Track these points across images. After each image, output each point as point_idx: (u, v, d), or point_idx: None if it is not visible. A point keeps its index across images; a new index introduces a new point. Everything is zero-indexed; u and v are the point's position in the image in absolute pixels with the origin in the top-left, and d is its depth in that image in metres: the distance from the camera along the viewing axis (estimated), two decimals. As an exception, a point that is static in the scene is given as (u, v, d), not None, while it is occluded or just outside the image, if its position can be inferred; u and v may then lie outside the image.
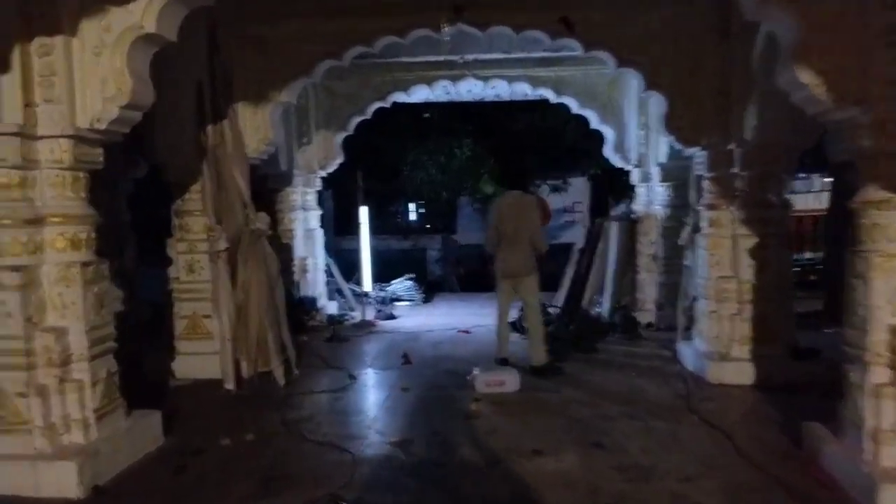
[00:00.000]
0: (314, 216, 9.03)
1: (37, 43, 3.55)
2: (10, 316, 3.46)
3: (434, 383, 5.72)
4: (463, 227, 16.88)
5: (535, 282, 5.97)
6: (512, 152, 12.96)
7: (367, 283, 10.33)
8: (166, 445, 4.24)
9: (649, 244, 8.09)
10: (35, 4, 3.52)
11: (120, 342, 5.97)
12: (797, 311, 6.00)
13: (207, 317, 5.73)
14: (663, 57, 5.57)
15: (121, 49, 3.60)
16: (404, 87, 8.18)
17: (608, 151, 8.44)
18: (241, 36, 5.81)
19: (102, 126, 3.70)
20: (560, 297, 8.73)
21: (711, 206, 5.71)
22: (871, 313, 3.39)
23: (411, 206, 17.17)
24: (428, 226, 16.73)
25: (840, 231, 8.60)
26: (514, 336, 7.64)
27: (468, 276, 14.58)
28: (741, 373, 5.44)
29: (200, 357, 5.70)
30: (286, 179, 8.34)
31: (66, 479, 3.43)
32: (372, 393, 5.56)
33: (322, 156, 8.77)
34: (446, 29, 5.34)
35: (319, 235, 9.11)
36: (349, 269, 10.54)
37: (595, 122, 8.26)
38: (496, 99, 9.26)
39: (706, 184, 5.81)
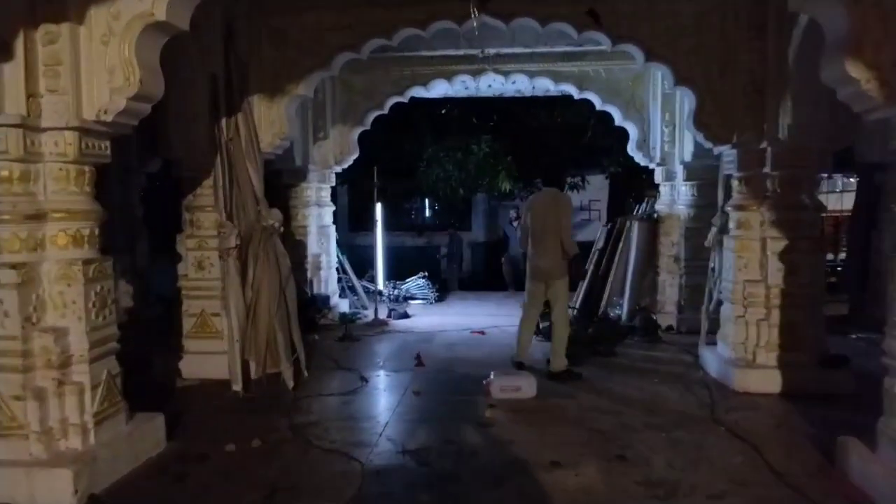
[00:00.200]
0: (328, 212, 8.89)
1: (42, 30, 3.41)
2: (7, 315, 3.33)
3: (448, 387, 5.55)
4: (478, 224, 16.71)
5: (564, 285, 5.77)
6: (547, 148, 12.74)
7: (381, 281, 10.19)
8: (168, 451, 4.09)
9: (671, 245, 7.89)
10: (40, -10, 3.38)
11: (129, 339, 5.92)
12: (820, 316, 5.76)
13: (216, 315, 5.60)
14: (693, 51, 5.35)
15: (129, 38, 3.44)
16: (423, 82, 7.99)
17: (631, 149, 8.21)
18: (258, 27, 5.66)
19: (109, 118, 3.56)
20: (577, 297, 8.50)
21: (740, 207, 5.50)
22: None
23: (426, 203, 16.99)
24: (437, 222, 16.54)
25: (866, 233, 8.37)
26: (532, 338, 7.53)
27: (477, 274, 14.43)
28: (768, 381, 5.24)
29: (208, 357, 5.56)
30: (301, 175, 8.20)
31: (61, 487, 3.29)
32: (383, 397, 5.39)
33: (338, 151, 8.60)
34: (476, 14, 5.14)
35: (333, 232, 8.97)
36: (362, 265, 10.40)
37: (618, 118, 8.03)
38: (517, 94, 9.03)
39: (735, 184, 5.60)
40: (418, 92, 8.25)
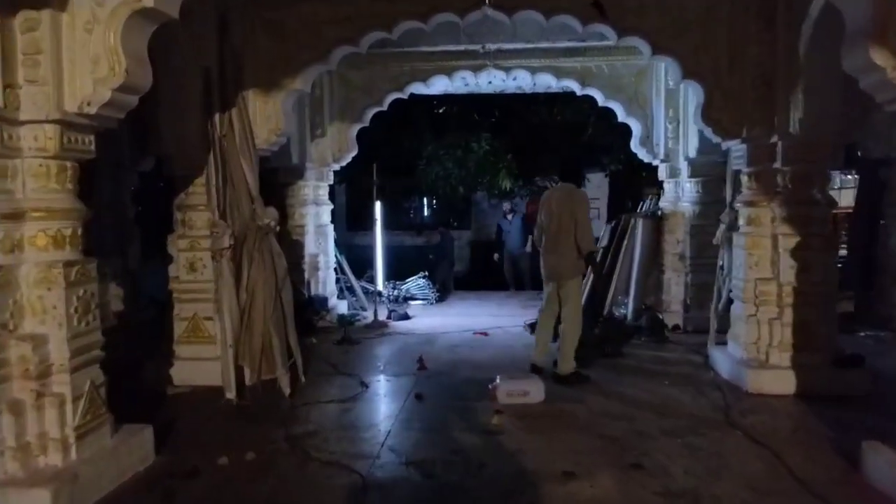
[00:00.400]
0: (326, 211, 8.68)
1: (21, 17, 3.19)
2: (-19, 322, 3.11)
3: (451, 392, 5.34)
4: (479, 223, 16.50)
5: (577, 286, 5.57)
6: (547, 145, 12.53)
7: (380, 282, 9.99)
8: (157, 465, 3.85)
9: (676, 243, 7.72)
10: (19, -26, 3.16)
11: (118, 344, 5.72)
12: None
13: (209, 319, 5.39)
14: (701, 44, 5.17)
15: (115, 25, 3.22)
16: (423, 78, 7.80)
17: (634, 145, 8.04)
18: (253, 19, 5.44)
19: (93, 110, 3.33)
20: (582, 297, 8.29)
21: (750, 203, 5.34)
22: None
23: (426, 202, 16.79)
24: (436, 221, 16.26)
25: (869, 229, 8.20)
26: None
27: (477, 273, 14.17)
28: (781, 382, 5.07)
29: (201, 362, 5.35)
30: (298, 173, 8.00)
31: (39, 507, 3.06)
32: (385, 403, 5.17)
33: (336, 148, 8.40)
34: (488, 2, 4.95)
35: (331, 232, 8.76)
36: (360, 265, 10.19)
37: (621, 115, 7.86)
38: (518, 91, 8.86)
39: (745, 179, 5.43)
40: (418, 88, 8.07)
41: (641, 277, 7.88)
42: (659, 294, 7.85)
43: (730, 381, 5.40)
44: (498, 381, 5.08)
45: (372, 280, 10.02)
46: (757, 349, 5.23)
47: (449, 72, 7.71)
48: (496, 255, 11.87)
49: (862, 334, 7.08)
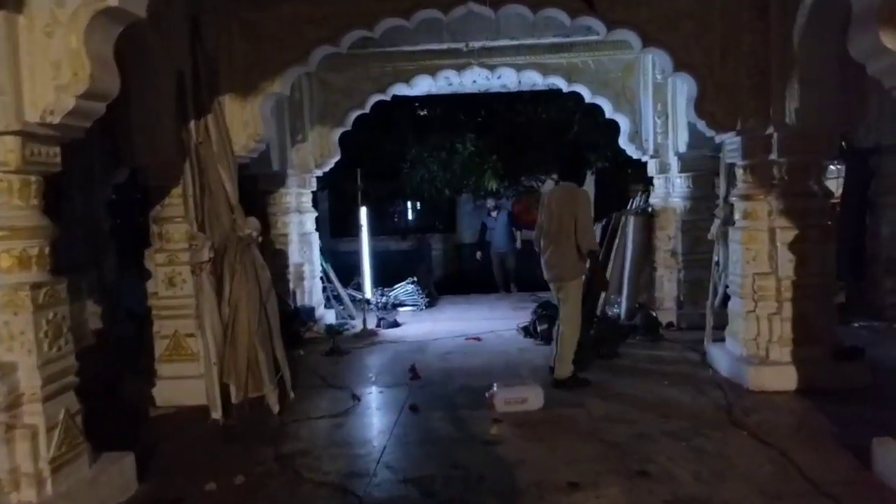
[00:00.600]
0: (310, 219, 8.46)
1: (-29, 20, 2.98)
2: (-57, 351, 2.89)
3: (447, 402, 5.15)
4: (464, 225, 16.34)
5: (577, 287, 5.39)
6: (532, 144, 12.37)
7: (368, 289, 9.78)
8: (140, 494, 3.63)
9: (668, 239, 7.60)
10: (-30, -26, 2.95)
11: (97, 362, 5.49)
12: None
13: (191, 336, 5.15)
14: (693, 35, 5.03)
15: (77, 27, 3.02)
16: (406, 78, 7.61)
17: (623, 142, 7.90)
18: (227, 20, 5.20)
19: (56, 120, 3.12)
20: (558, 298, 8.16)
21: (746, 197, 5.22)
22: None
23: (410, 206, 16.58)
24: (421, 225, 16.08)
25: (858, 219, 8.15)
26: (528, 342, 7.20)
27: (465, 276, 14.00)
28: (783, 378, 4.97)
29: (184, 381, 5.11)
30: (279, 180, 7.77)
31: (13, 549, 2.85)
32: (378, 417, 4.97)
33: (318, 154, 8.18)
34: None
35: (316, 240, 8.54)
36: (347, 273, 9.98)
37: (609, 111, 7.72)
38: (503, 90, 8.70)
39: (740, 173, 5.32)
40: (401, 89, 7.88)
41: (634, 275, 7.75)
42: (652, 292, 7.73)
43: (729, 378, 5.28)
44: (495, 388, 4.91)
45: (359, 287, 9.80)
46: (757, 345, 5.12)
47: (432, 71, 7.54)
48: (478, 254, 11.64)
49: (856, 325, 7.02)
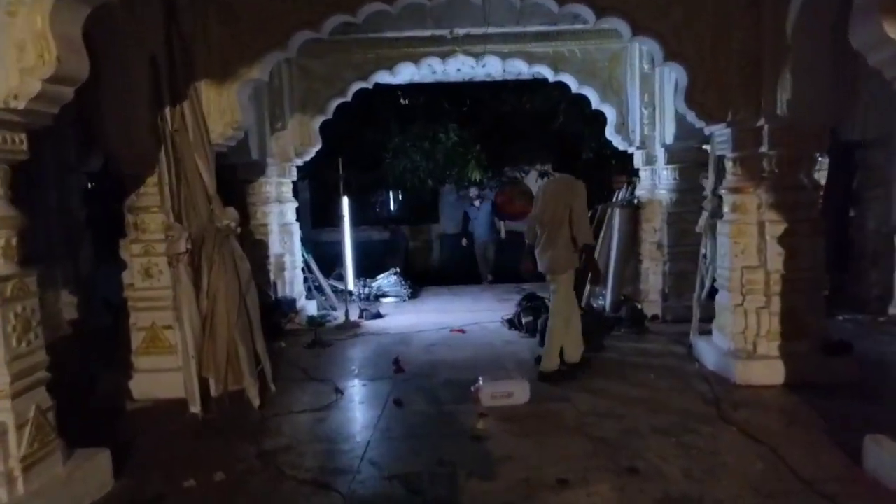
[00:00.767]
0: (290, 209, 8.28)
1: (-71, -1, 2.81)
2: None
3: (432, 396, 5.05)
4: (446, 216, 16.19)
5: (568, 280, 5.31)
6: (516, 134, 12.23)
7: (350, 281, 9.64)
8: (116, 491, 3.53)
9: (653, 231, 7.55)
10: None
11: (73, 354, 5.34)
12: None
13: (169, 328, 5.01)
14: (684, 24, 4.92)
15: (42, 7, 2.87)
16: (388, 66, 7.43)
17: (609, 133, 7.81)
18: (204, 3, 4.99)
19: (21, 105, 2.96)
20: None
21: (736, 190, 5.16)
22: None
23: (392, 196, 16.39)
24: (403, 215, 15.87)
25: (841, 212, 8.15)
26: (513, 334, 7.13)
27: (447, 267, 13.88)
28: (770, 372, 4.94)
29: (162, 374, 4.98)
30: (258, 169, 7.58)
31: (-20, 553, 2.73)
32: (361, 411, 4.86)
33: (298, 142, 7.99)
34: None
35: (297, 230, 8.37)
36: (328, 263, 9.83)
37: (595, 101, 7.62)
38: (487, 78, 8.56)
39: (729, 165, 5.26)
40: (383, 77, 7.71)
41: (619, 268, 7.71)
42: (637, 284, 7.70)
43: (716, 372, 5.25)
44: (480, 382, 4.83)
45: (341, 278, 9.67)
46: (744, 339, 5.08)
47: (416, 59, 7.38)
48: (464, 241, 11.49)
49: (840, 318, 7.02)
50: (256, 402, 4.80)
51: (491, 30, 6.80)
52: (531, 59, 7.36)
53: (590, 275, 5.98)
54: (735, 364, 5.01)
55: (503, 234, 11.31)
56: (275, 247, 7.82)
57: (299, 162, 8.25)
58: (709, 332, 5.67)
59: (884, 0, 2.76)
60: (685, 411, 4.48)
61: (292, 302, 7.86)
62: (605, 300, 7.72)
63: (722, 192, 5.39)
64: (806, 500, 3.21)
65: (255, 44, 5.03)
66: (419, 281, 10.68)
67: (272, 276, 7.72)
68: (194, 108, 4.81)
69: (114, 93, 4.83)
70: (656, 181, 7.52)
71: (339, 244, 9.70)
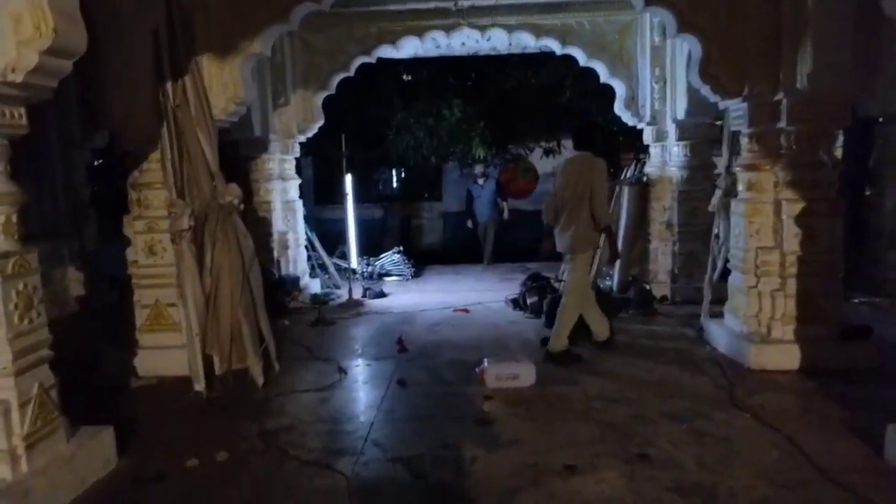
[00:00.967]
0: (293, 186, 8.16)
1: (-80, -33, 2.69)
2: None
3: (436, 377, 5.00)
4: (449, 194, 16.05)
5: (586, 260, 5.26)
6: (521, 110, 11.99)
7: (354, 259, 9.56)
8: (120, 469, 3.51)
9: (663, 210, 7.43)
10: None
11: (81, 330, 5.30)
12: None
13: (173, 305, 4.96)
14: (700, -8, 4.75)
15: (38, -23, 2.75)
16: (392, 40, 7.26)
17: (618, 108, 7.63)
18: (202, -25, 4.88)
19: (18, 78, 2.87)
20: (565, 269, 7.99)
21: (751, 167, 5.02)
22: None
23: (395, 173, 16.21)
24: (401, 193, 15.69)
25: (856, 191, 7.99)
26: (518, 314, 7.05)
27: (449, 246, 13.75)
28: (785, 357, 4.83)
29: (166, 351, 4.95)
30: (261, 145, 7.46)
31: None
32: (365, 391, 4.81)
33: (301, 118, 7.86)
34: None
35: (300, 207, 8.27)
36: (331, 241, 9.74)
37: (604, 75, 7.44)
38: (492, 52, 8.35)
39: (745, 141, 5.11)
40: (386, 51, 7.55)
41: (627, 247, 7.59)
42: (645, 264, 7.60)
43: (728, 355, 5.16)
44: (485, 363, 4.76)
45: (344, 256, 9.59)
46: (758, 322, 4.97)
47: (419, 32, 7.20)
48: (469, 222, 11.25)
49: (856, 301, 6.87)
50: (260, 381, 4.76)
51: (497, 1, 6.62)
52: (538, 31, 7.17)
53: (604, 254, 5.85)
54: (749, 348, 4.91)
55: (506, 215, 11.08)
56: (278, 224, 7.73)
57: (302, 138, 8.13)
58: (720, 315, 5.58)
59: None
60: (697, 396, 4.39)
61: (296, 280, 7.79)
62: (612, 281, 7.63)
63: (736, 169, 5.26)
64: (824, 490, 3.12)
65: (256, 16, 4.90)
66: (422, 260, 10.59)
67: (276, 254, 7.65)
68: (196, 83, 4.70)
69: (115, 68, 4.72)
70: (667, 158, 7.37)
71: (342, 222, 9.61)
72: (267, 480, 3.38)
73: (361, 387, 4.92)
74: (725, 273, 5.57)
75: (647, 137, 7.57)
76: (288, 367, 5.20)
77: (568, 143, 13.35)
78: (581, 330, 5.51)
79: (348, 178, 8.95)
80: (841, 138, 7.90)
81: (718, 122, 6.20)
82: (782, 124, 4.74)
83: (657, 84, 7.16)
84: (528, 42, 7.51)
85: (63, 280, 5.76)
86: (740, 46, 4.77)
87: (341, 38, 7.43)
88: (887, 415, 3.49)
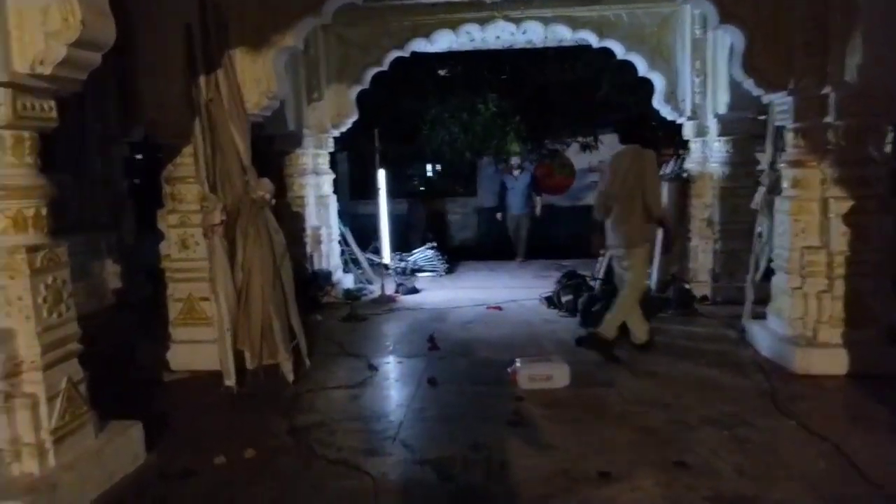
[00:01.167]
0: (327, 181, 8.17)
1: (-50, -40, 2.71)
2: (-65, 318, 2.71)
3: (467, 376, 4.91)
4: (484, 189, 15.94)
5: (643, 254, 5.19)
6: (557, 105, 11.84)
7: (387, 254, 9.53)
8: (148, 465, 3.52)
9: (704, 207, 7.19)
10: None
11: (114, 324, 5.37)
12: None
13: (205, 300, 4.96)
14: (742, -18, 4.57)
15: (66, -32, 2.74)
16: (426, 33, 7.18)
17: (658, 102, 7.40)
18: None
19: (47, 70, 2.87)
20: (601, 267, 7.84)
21: (797, 164, 4.81)
22: None
23: (429, 168, 16.15)
24: (436, 188, 15.61)
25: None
26: (552, 312, 6.92)
27: (484, 242, 13.63)
28: (832, 361, 4.61)
29: (199, 346, 4.96)
30: (295, 140, 7.48)
31: (13, 522, 2.70)
32: (395, 389, 4.75)
33: (335, 113, 7.84)
34: None
35: (333, 202, 8.26)
36: (365, 236, 9.73)
37: (643, 68, 7.23)
38: (528, 45, 8.20)
39: (790, 137, 4.89)
40: (420, 45, 7.46)
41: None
42: (685, 263, 7.37)
43: (772, 359, 4.95)
44: (518, 363, 4.66)
45: (377, 252, 9.57)
46: (804, 325, 4.76)
47: (454, 25, 7.10)
48: (499, 215, 10.97)
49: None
50: (290, 377, 4.74)
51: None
52: (575, 24, 7.00)
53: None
54: (794, 351, 4.70)
55: (538, 211, 10.86)
56: (311, 219, 7.74)
57: (336, 133, 8.11)
58: (763, 316, 5.38)
59: None
60: (739, 401, 4.20)
61: (328, 275, 7.79)
62: (650, 280, 7.43)
63: (781, 165, 5.04)
64: (874, 504, 2.96)
65: (289, 10, 4.87)
66: (456, 256, 10.51)
67: (309, 249, 7.66)
68: (229, 77, 4.69)
69: (149, 62, 4.76)
70: (707, 154, 7.13)
71: (375, 217, 9.59)
72: (293, 480, 3.34)
73: (392, 384, 4.86)
74: (768, 273, 5.36)
75: (688, 132, 7.34)
76: (319, 363, 5.19)
77: (605, 139, 13.16)
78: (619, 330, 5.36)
79: (381, 174, 8.91)
80: (890, 134, 7.62)
81: (762, 117, 5.97)
82: (830, 119, 4.53)
83: (698, 78, 6.94)
84: (564, 35, 7.36)
85: (101, 273, 5.84)
86: (785, 38, 4.57)
87: (375, 32, 7.39)
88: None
